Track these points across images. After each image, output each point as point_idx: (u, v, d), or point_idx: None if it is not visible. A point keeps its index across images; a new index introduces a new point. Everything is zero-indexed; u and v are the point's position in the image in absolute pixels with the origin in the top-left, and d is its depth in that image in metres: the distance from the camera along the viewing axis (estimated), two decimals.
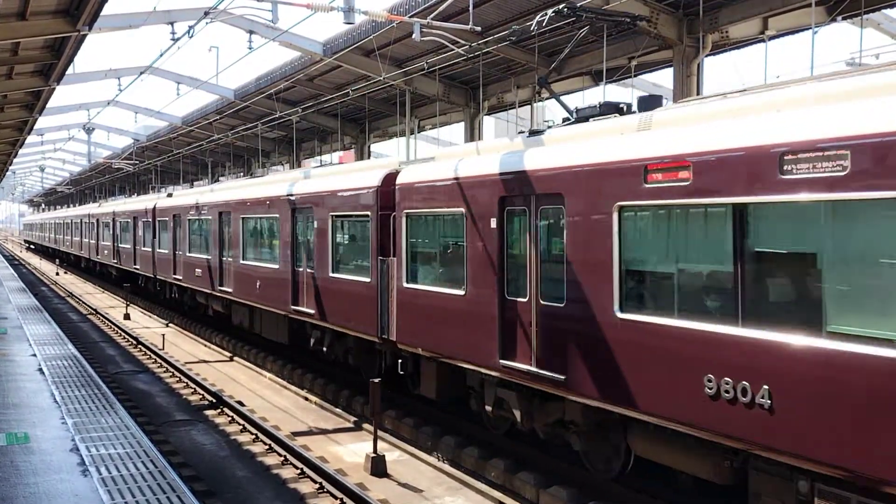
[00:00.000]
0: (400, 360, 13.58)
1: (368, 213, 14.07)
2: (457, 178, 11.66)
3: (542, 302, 9.95)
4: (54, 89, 17.33)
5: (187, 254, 25.24)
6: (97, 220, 42.37)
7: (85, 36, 12.58)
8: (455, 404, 13.73)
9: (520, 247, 10.46)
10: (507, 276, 10.64)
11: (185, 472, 11.24)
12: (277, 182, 19.10)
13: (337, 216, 15.43)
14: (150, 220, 29.90)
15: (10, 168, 55.13)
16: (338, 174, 16.27)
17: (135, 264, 33.02)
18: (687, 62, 17.29)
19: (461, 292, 11.47)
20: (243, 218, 20.31)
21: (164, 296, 30.28)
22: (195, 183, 53.97)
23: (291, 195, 17.36)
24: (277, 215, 17.97)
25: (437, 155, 13.32)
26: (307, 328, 17.48)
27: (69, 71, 16.49)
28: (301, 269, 16.92)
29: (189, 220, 25.13)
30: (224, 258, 21.85)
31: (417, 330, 12.61)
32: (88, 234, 45.61)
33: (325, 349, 16.65)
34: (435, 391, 12.85)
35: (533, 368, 10.02)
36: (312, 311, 16.22)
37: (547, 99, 25.69)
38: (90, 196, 78.53)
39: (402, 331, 12.98)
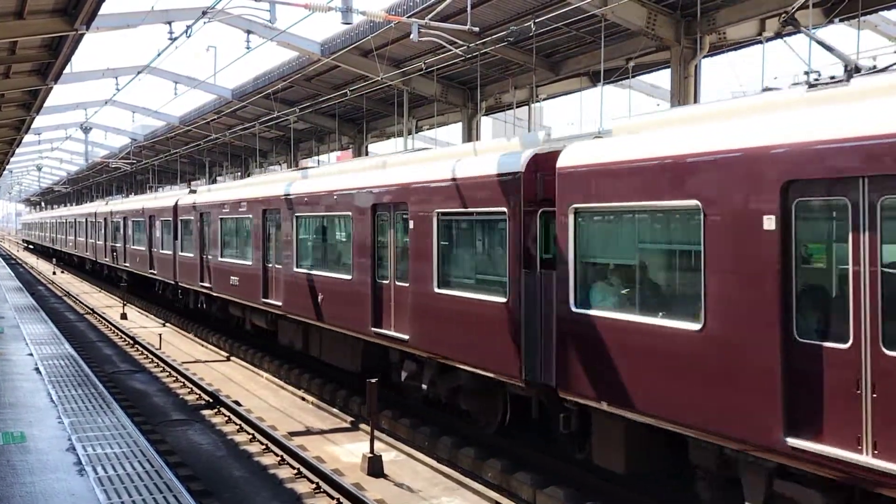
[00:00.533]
0: (562, 416, 9.94)
1: (503, 209, 10.50)
2: (686, 156, 8.01)
3: (886, 351, 6.38)
4: (52, 88, 17.32)
5: (219, 258, 21.85)
6: (105, 220, 39.00)
7: (82, 35, 12.57)
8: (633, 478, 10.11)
9: (829, 260, 7.10)
10: (796, 307, 7.06)
11: (182, 471, 11.24)
12: (349, 172, 15.67)
13: (447, 214, 11.86)
14: (171, 219, 26.57)
15: (7, 167, 55.04)
16: (443, 159, 12.64)
17: (151, 269, 29.81)
18: (684, 63, 17.32)
19: (694, 327, 7.87)
20: (298, 217, 16.82)
21: (188, 305, 26.74)
22: (192, 182, 53.92)
23: (372, 188, 13.91)
24: (349, 213, 14.57)
25: (621, 126, 9.56)
26: (393, 357, 13.99)
27: (67, 70, 16.49)
28: (387, 283, 13.48)
29: (222, 219, 21.70)
30: (269, 265, 18.44)
31: (599, 376, 9.02)
32: (94, 235, 42.15)
33: (424, 386, 13.00)
34: (623, 462, 9.34)
35: (867, 458, 6.43)
36: (405, 337, 12.75)
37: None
38: (87, 195, 78.47)
39: (570, 375, 9.42)
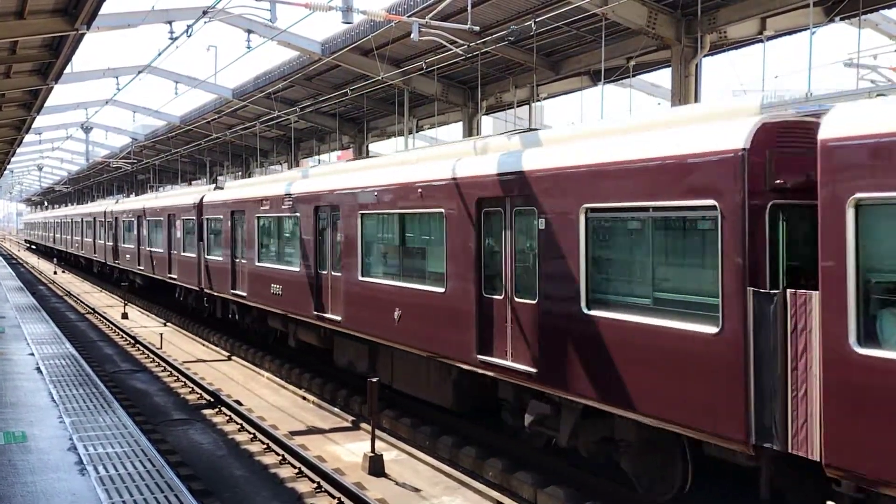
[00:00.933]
0: None
1: (710, 202, 7.71)
2: None
3: None
4: (52, 88, 17.35)
5: (256, 263, 19.04)
6: (115, 219, 36.16)
7: (83, 35, 12.60)
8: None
9: None
10: None
11: (183, 471, 11.25)
12: (436, 159, 12.71)
13: (602, 210, 9.05)
14: (195, 218, 23.77)
15: (8, 167, 55.09)
16: (588, 138, 9.66)
17: (170, 273, 26.87)
18: (685, 62, 17.34)
19: None
20: (364, 215, 14.08)
21: (215, 314, 23.81)
22: (193, 182, 53.93)
23: (476, 178, 11.07)
24: (441, 210, 11.76)
25: None
26: (506, 393, 11.25)
27: (67, 70, 16.51)
28: (500, 299, 10.62)
29: (259, 217, 18.94)
30: (324, 272, 15.60)
31: None
32: (104, 236, 39.32)
33: (563, 436, 10.11)
34: None
35: None
36: (531, 370, 9.95)
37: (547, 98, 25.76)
38: (89, 195, 78.54)
39: (854, 447, 6.60)
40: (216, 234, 22.33)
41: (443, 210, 11.75)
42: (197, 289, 24.04)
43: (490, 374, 11.00)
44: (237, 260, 20.51)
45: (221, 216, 21.58)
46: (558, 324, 9.57)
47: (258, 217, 18.97)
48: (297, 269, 16.68)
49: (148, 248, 30.12)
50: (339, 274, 14.90)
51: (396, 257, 13.39)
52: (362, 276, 14.09)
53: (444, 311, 11.71)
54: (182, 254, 25.32)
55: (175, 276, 26.35)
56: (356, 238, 14.24)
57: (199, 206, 23.46)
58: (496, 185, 10.62)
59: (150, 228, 29.76)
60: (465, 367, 11.50)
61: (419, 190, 12.33)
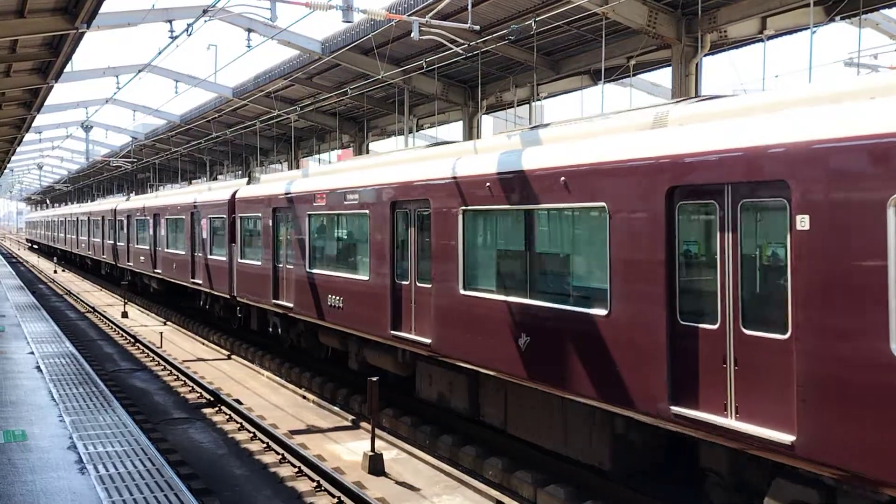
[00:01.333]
0: None
1: None
2: None
3: None
4: (52, 87, 17.35)
5: (308, 269, 16.21)
6: (127, 218, 33.87)
7: (83, 34, 12.60)
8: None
9: None
10: None
11: (183, 469, 11.26)
12: (580, 137, 9.89)
13: None
14: (225, 216, 21.28)
15: (8, 166, 55.06)
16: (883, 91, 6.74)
17: (193, 277, 24.42)
18: (685, 61, 17.33)
19: None
20: (467, 212, 11.24)
21: (248, 326, 21.39)
22: (193, 181, 53.89)
23: (667, 159, 8.11)
24: (603, 204, 8.88)
25: None
26: (714, 459, 8.33)
27: (67, 69, 16.51)
28: (712, 328, 7.71)
29: (312, 216, 16.18)
30: (404, 282, 12.85)
31: None
32: (114, 236, 36.94)
33: None
34: None
35: None
36: (783, 437, 6.89)
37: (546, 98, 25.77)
38: (89, 194, 78.53)
39: None
40: (253, 234, 19.71)
41: (605, 204, 8.84)
42: (227, 296, 21.44)
43: (694, 433, 7.90)
44: (280, 265, 17.77)
45: (260, 214, 18.87)
46: (842, 373, 6.51)
47: (310, 215, 16.19)
48: (366, 278, 13.92)
49: (166, 250, 27.63)
50: (428, 285, 12.13)
51: (522, 267, 10.40)
52: (465, 289, 11.31)
53: (608, 341, 8.82)
54: (209, 257, 22.78)
55: (199, 282, 23.81)
56: (455, 241, 11.42)
57: (231, 203, 20.89)
58: (704, 169, 7.73)
59: (168, 228, 27.21)
60: (645, 419, 8.49)
61: (562, 178, 9.44)
